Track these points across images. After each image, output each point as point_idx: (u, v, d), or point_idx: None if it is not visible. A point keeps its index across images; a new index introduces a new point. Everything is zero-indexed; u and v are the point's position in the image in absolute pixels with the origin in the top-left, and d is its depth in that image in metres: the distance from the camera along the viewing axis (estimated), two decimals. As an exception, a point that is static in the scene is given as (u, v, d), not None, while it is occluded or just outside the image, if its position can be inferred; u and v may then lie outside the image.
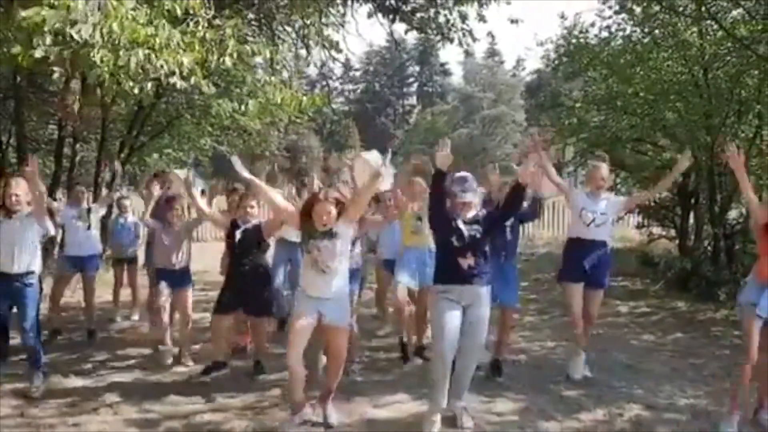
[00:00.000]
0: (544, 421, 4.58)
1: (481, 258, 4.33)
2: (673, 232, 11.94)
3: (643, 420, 4.62)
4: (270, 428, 4.47)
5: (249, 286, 5.34)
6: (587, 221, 5.28)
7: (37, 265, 5.07)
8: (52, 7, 3.77)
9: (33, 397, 4.96)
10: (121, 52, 4.03)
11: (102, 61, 4.01)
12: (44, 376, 5.20)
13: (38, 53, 3.91)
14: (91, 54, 3.93)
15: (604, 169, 5.40)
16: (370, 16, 8.94)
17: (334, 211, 4.22)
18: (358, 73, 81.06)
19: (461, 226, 4.31)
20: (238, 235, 5.34)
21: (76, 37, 3.84)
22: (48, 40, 3.92)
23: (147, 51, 4.06)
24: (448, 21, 9.26)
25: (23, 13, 3.68)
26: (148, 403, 4.91)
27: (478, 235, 4.31)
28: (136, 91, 4.31)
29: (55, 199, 10.77)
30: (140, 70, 4.19)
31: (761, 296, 4.25)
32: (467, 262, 4.28)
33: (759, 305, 4.24)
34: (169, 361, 5.84)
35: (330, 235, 4.23)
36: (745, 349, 4.35)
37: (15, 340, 5.67)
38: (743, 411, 4.47)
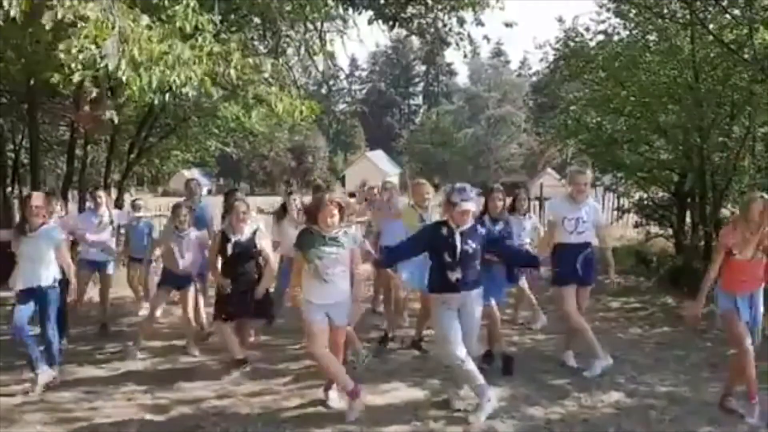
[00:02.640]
0: (529, 406, 4.89)
1: (469, 270, 4.68)
2: (670, 231, 12.16)
3: (623, 405, 4.93)
4: (273, 413, 4.78)
5: (248, 293, 5.61)
6: (570, 230, 5.60)
7: (56, 273, 5.37)
8: (96, 45, 4.17)
9: (53, 384, 5.29)
10: (141, 70, 4.44)
11: (127, 81, 4.43)
12: (60, 367, 5.54)
13: (76, 78, 4.35)
14: (118, 74, 4.34)
15: (587, 175, 5.72)
16: (370, 22, 9.20)
17: (337, 214, 4.58)
18: (364, 73, 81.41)
19: (457, 240, 4.62)
20: (230, 248, 5.58)
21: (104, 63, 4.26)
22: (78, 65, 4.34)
23: (162, 68, 4.45)
24: (445, 26, 9.58)
25: (61, 46, 4.08)
26: (159, 390, 5.26)
27: (470, 251, 4.65)
28: (156, 102, 4.71)
29: (67, 199, 11.16)
30: (157, 85, 4.59)
31: (737, 304, 4.62)
32: (455, 275, 4.64)
33: (740, 311, 4.60)
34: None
35: (332, 242, 4.58)
36: (734, 343, 4.69)
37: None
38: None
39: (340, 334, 4.83)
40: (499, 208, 5.72)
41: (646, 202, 12.46)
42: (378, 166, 58.21)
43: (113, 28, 4.17)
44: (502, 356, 5.70)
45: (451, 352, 4.62)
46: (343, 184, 46.91)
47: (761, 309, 4.72)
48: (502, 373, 5.54)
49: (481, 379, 4.68)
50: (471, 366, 4.65)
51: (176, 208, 6.37)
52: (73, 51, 4.16)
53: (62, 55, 4.15)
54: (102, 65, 4.23)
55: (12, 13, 3.54)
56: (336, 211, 4.56)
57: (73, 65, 4.27)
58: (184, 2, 4.77)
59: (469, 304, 4.72)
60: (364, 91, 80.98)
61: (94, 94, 5.22)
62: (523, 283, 7.04)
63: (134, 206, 8.10)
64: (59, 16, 3.91)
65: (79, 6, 3.99)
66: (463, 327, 4.69)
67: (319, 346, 4.63)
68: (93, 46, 4.19)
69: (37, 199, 5.36)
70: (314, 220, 4.63)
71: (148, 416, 4.74)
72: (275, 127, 14.42)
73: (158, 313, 6.20)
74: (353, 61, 75.70)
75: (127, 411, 4.84)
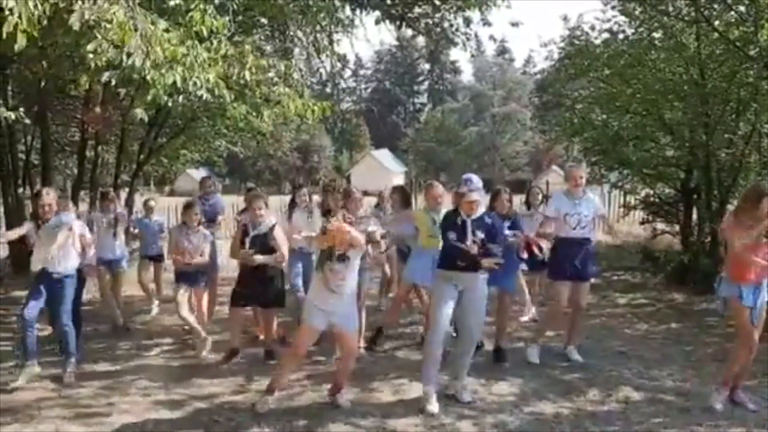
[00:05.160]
0: (539, 401, 4.97)
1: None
2: (676, 228, 12.19)
3: (631, 400, 5.00)
4: (286, 408, 4.86)
5: (261, 282, 5.84)
6: (573, 225, 5.75)
7: (72, 261, 5.49)
8: (115, 46, 4.28)
9: (66, 382, 5.38)
10: (163, 71, 4.54)
11: (152, 81, 4.54)
12: (76, 362, 5.63)
13: (104, 78, 4.48)
14: (144, 74, 4.45)
15: (581, 169, 5.97)
16: (377, 22, 9.25)
17: (343, 239, 4.70)
18: (368, 72, 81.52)
19: (468, 231, 4.79)
20: (248, 241, 5.81)
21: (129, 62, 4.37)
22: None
23: (182, 69, 4.57)
24: (452, 25, 9.66)
25: (89, 47, 4.18)
26: (174, 386, 5.34)
27: (478, 240, 4.80)
28: (170, 104, 4.81)
29: (77, 199, 11.28)
30: (177, 87, 4.70)
31: (741, 291, 4.66)
32: (463, 261, 4.78)
33: (743, 298, 4.65)
34: (206, 351, 6.11)
35: (342, 258, 4.71)
36: (741, 336, 4.72)
37: (44, 331, 6.11)
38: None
39: (350, 339, 4.93)
40: (506, 207, 5.87)
41: (652, 199, 12.49)
42: (383, 165, 58.33)
43: (136, 30, 4.27)
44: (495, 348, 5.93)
45: (433, 325, 4.85)
46: (348, 182, 47.00)
47: (765, 296, 4.73)
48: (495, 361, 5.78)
49: (437, 366, 4.85)
50: (438, 350, 4.82)
51: (188, 206, 6.49)
52: (99, 52, 4.25)
53: (90, 56, 4.25)
54: (128, 64, 4.32)
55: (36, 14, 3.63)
56: (341, 238, 4.68)
57: (98, 63, 4.36)
58: (201, 7, 4.89)
59: (473, 287, 4.87)
60: (368, 90, 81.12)
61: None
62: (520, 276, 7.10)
63: (146, 207, 8.25)
64: (86, 16, 3.98)
65: (104, 8, 4.09)
66: (467, 309, 4.86)
67: (300, 349, 4.83)
68: (112, 48, 4.27)
69: (48, 196, 5.45)
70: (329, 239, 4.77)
71: (164, 411, 4.83)
72: (282, 127, 14.53)
73: (185, 311, 6.27)
74: (358, 60, 75.86)
75: (142, 406, 4.92)
